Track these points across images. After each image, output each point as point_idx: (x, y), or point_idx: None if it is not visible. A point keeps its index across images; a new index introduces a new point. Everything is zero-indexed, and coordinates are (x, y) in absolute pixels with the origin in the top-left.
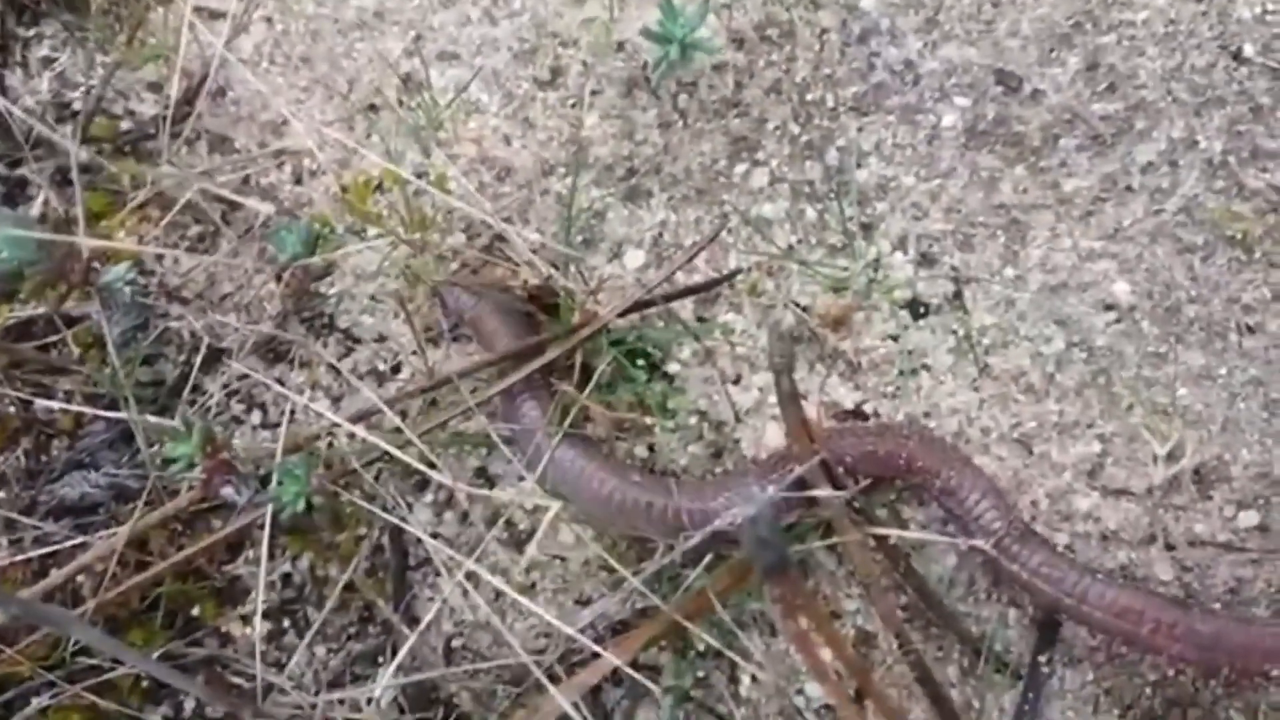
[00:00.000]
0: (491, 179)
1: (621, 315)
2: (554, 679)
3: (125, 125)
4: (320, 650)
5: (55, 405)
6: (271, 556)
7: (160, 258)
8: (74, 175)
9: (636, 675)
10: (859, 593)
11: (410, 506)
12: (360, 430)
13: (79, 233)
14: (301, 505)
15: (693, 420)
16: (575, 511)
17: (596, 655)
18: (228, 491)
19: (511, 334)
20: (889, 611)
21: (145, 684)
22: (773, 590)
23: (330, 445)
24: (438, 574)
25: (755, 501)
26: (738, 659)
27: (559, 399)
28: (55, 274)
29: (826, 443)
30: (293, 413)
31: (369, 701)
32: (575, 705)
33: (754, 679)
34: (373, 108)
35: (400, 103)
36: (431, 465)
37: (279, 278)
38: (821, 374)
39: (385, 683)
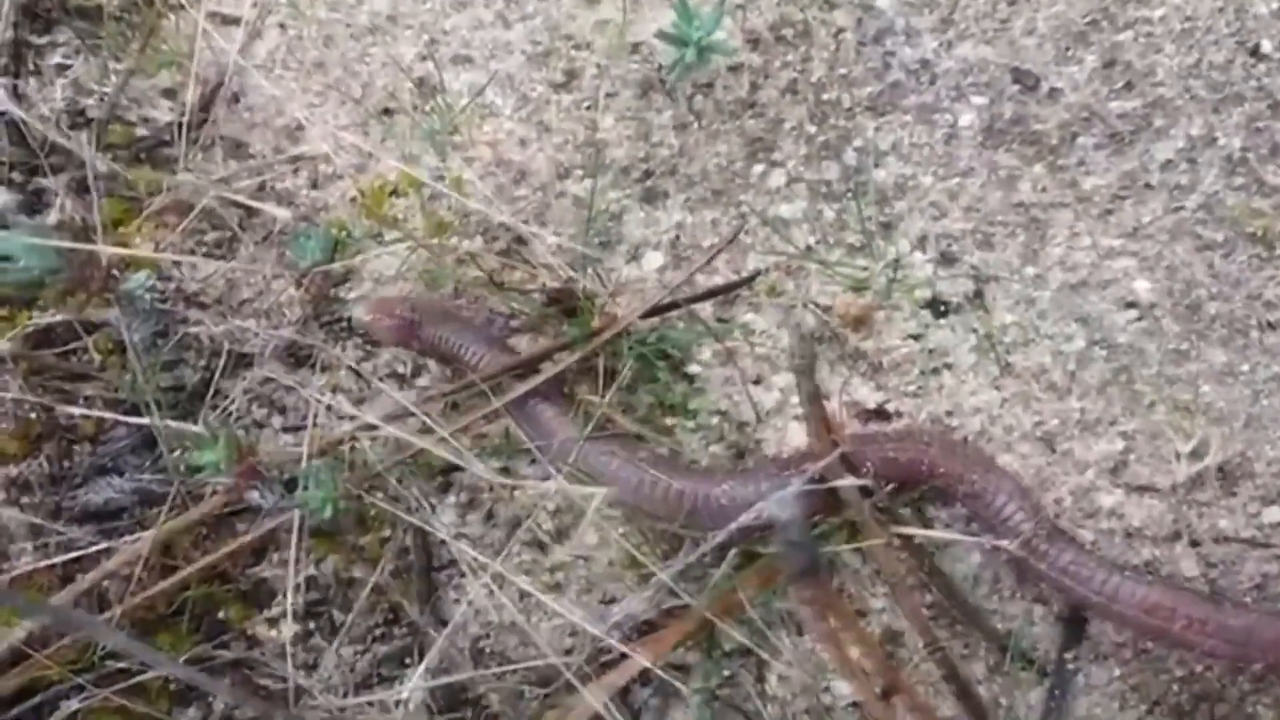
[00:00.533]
0: (508, 182)
1: (643, 318)
2: (583, 679)
3: (141, 132)
4: (347, 652)
5: (77, 411)
6: (297, 559)
7: (178, 264)
8: (91, 183)
9: (666, 675)
10: (884, 591)
11: (434, 509)
12: (394, 430)
13: (98, 240)
14: (330, 511)
15: (714, 420)
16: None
17: (625, 655)
18: (253, 496)
19: (477, 344)
20: (915, 610)
21: (174, 687)
22: (803, 592)
23: (352, 449)
24: (463, 575)
25: (785, 505)
26: (768, 657)
27: (578, 402)
28: (76, 282)
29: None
30: (315, 417)
31: (398, 703)
32: (606, 706)
33: (781, 677)
34: (387, 112)
35: (414, 107)
36: (458, 462)
37: (300, 283)
38: (843, 374)
39: (415, 684)
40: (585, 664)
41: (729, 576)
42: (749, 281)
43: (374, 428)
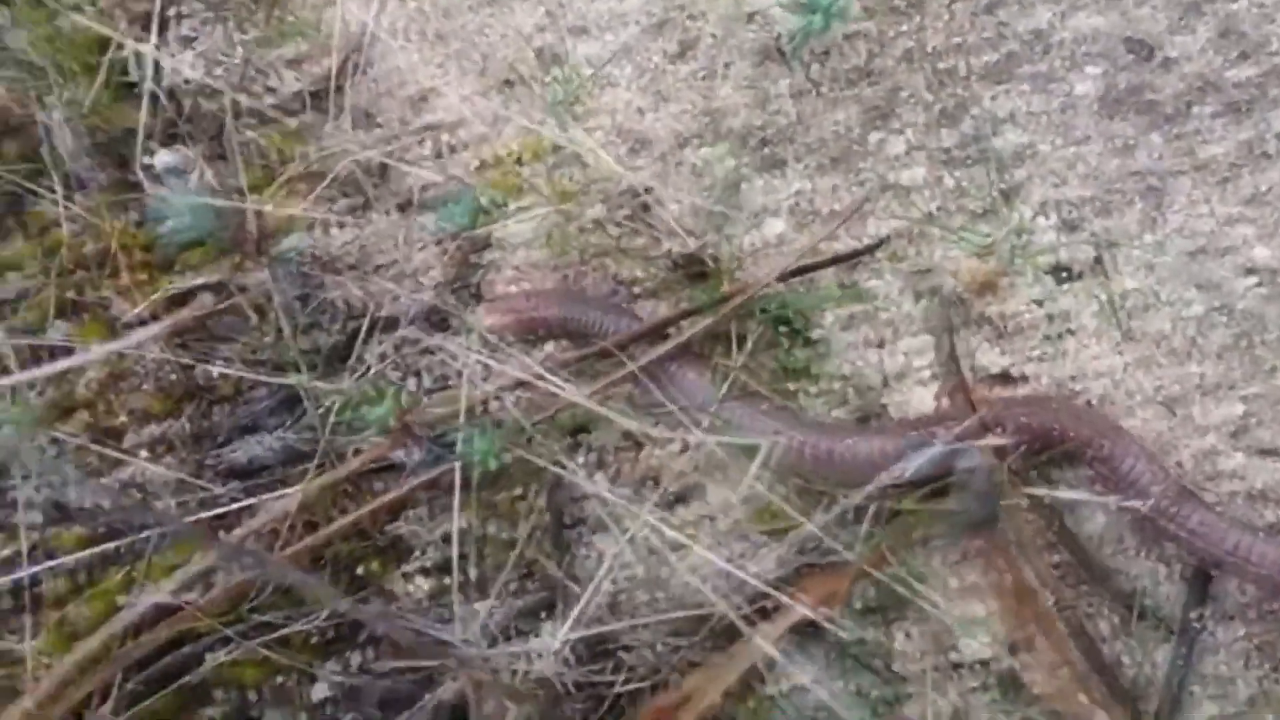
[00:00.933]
0: (627, 152)
1: (779, 280)
2: (732, 629)
3: (268, 101)
4: (483, 606)
5: (219, 371)
6: (432, 516)
7: (311, 227)
8: (234, 146)
9: (828, 624)
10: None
11: (565, 469)
12: (551, 385)
13: (247, 203)
14: (493, 464)
15: (837, 385)
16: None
17: (760, 614)
18: (399, 454)
19: (605, 316)
20: (1046, 570)
21: (315, 640)
22: (977, 542)
23: (485, 411)
24: (593, 532)
25: (970, 456)
26: (928, 607)
27: (714, 364)
28: (232, 244)
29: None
30: (448, 377)
31: (539, 656)
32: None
33: (907, 635)
34: (508, 83)
35: (534, 78)
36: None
37: (445, 249)
38: (969, 339)
39: (564, 634)
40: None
41: (871, 534)
42: (878, 247)
43: (520, 386)
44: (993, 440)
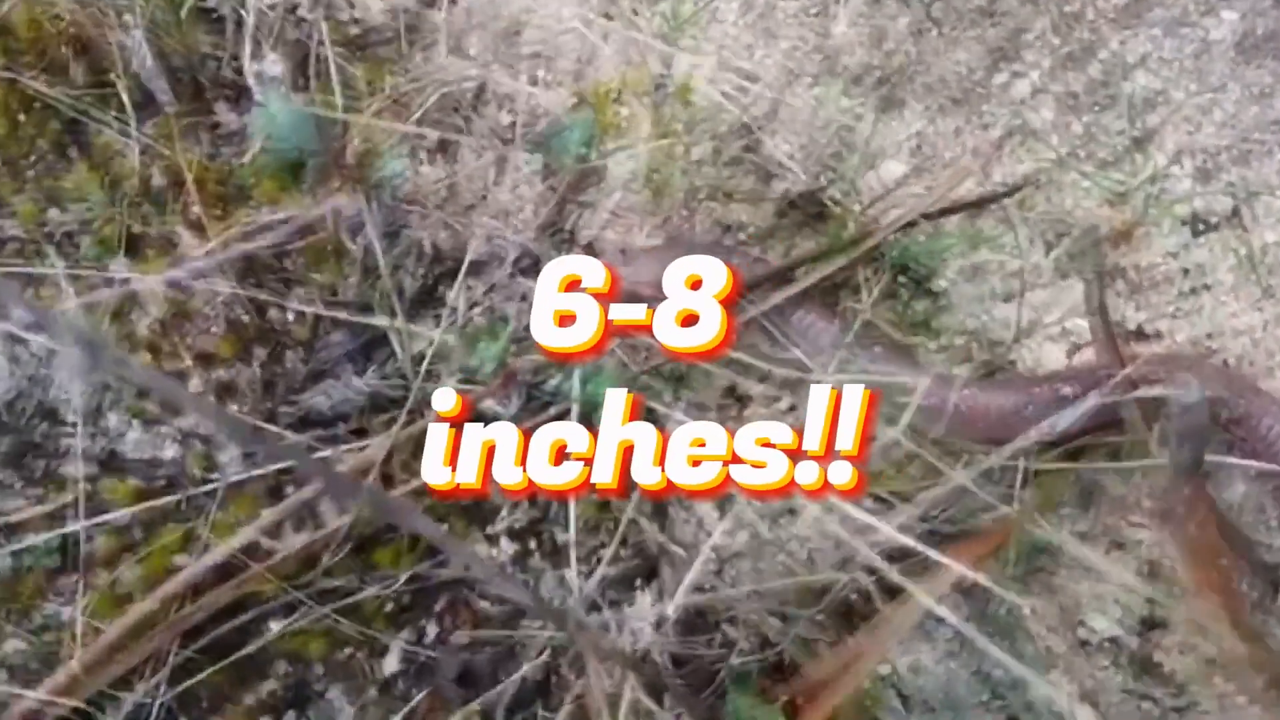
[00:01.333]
0: (734, 89)
1: (910, 224)
2: (848, 603)
3: (354, 31)
4: (570, 573)
5: (298, 310)
6: None
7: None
8: (332, 66)
9: (995, 586)
10: (1139, 521)
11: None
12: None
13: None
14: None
15: (960, 340)
16: None
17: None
18: (489, 405)
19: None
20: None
21: (388, 609)
22: (1181, 489)
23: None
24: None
25: (1191, 390)
26: (1097, 567)
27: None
28: (330, 165)
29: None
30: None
31: (642, 629)
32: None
33: (1033, 610)
34: (607, 16)
35: (634, 11)
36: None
37: (553, 185)
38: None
39: (678, 603)
40: (860, 577)
41: (1014, 494)
42: (1017, 190)
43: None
44: (1159, 391)
